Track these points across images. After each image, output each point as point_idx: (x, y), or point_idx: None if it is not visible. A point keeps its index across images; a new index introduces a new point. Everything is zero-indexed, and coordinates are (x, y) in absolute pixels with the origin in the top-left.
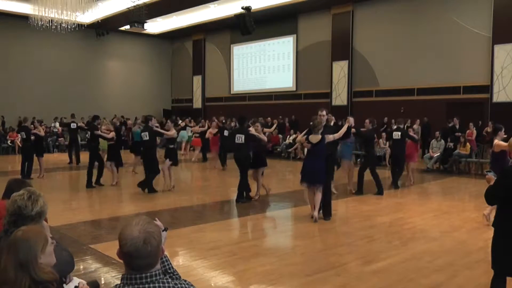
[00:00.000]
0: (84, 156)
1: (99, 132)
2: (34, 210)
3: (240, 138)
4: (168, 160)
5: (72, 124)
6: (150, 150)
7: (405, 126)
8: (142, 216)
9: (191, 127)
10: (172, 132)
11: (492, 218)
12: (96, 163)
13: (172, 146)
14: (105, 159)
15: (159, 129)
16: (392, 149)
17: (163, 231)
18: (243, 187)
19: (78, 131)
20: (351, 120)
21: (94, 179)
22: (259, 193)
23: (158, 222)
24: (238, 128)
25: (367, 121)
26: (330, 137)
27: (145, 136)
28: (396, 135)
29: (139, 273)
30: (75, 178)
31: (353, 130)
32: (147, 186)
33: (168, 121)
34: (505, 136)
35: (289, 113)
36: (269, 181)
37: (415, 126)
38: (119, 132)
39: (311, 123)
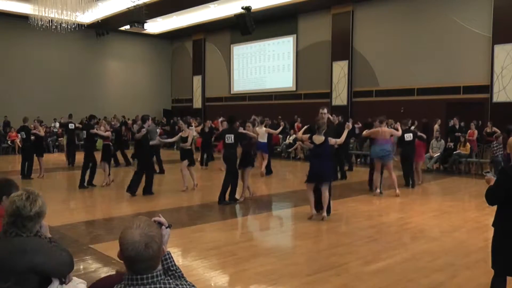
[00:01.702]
0: (81, 157)
1: (94, 131)
2: (33, 210)
3: (229, 138)
4: (186, 161)
5: (70, 125)
6: (143, 149)
7: (410, 126)
8: (142, 217)
9: (193, 127)
10: (185, 135)
11: None
12: (91, 164)
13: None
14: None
15: (162, 140)
16: (404, 151)
17: (167, 227)
18: (227, 187)
19: (76, 131)
20: (350, 125)
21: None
22: (244, 195)
23: (162, 219)
24: (228, 128)
25: (398, 124)
26: (332, 141)
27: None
28: (408, 136)
29: (140, 275)
30: (75, 179)
31: (398, 132)
32: (146, 186)
33: (181, 121)
34: None
35: (289, 113)
36: (269, 181)
37: (436, 126)
38: (120, 133)
39: (315, 123)
